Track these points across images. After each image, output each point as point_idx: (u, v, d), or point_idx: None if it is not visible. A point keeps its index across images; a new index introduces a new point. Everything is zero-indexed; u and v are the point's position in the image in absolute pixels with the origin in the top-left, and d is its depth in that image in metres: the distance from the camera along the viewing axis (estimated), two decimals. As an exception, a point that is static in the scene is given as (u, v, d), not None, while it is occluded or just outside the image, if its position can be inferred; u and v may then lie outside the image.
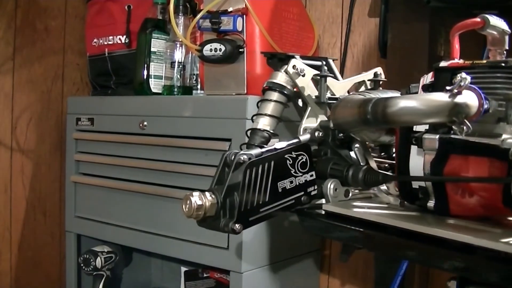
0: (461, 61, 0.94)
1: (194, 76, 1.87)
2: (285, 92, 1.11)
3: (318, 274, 1.95)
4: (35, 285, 2.55)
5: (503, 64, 0.89)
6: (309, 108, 1.14)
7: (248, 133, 1.09)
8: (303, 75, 1.12)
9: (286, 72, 1.12)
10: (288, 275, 1.75)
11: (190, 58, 1.85)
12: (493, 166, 0.84)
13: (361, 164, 1.08)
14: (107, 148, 1.92)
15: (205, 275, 1.99)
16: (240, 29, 1.58)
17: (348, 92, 1.22)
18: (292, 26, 1.73)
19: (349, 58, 1.93)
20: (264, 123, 1.08)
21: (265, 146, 1.04)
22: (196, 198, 0.90)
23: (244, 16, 1.58)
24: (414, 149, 0.94)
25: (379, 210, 0.97)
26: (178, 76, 1.83)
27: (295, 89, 1.15)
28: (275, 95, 1.11)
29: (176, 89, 1.82)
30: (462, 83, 0.84)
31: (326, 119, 1.14)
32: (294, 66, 1.12)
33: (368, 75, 1.22)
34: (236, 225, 0.91)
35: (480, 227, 0.85)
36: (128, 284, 2.18)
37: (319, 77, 1.13)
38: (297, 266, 1.80)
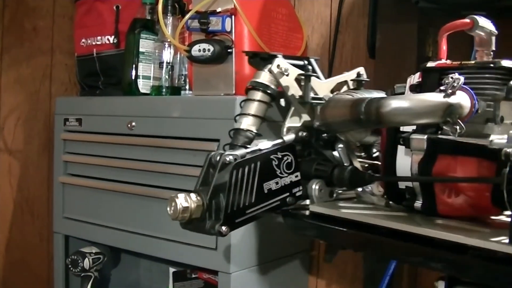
0: (449, 61, 0.94)
1: (183, 77, 1.87)
2: (269, 91, 1.09)
3: (306, 275, 1.95)
4: (23, 286, 2.55)
5: (491, 65, 0.89)
6: (292, 108, 1.12)
7: (231, 133, 1.06)
8: (287, 75, 1.11)
9: (270, 71, 1.10)
10: (276, 276, 1.74)
11: (178, 58, 1.85)
12: (482, 166, 0.85)
13: (345, 164, 1.07)
14: (95, 149, 1.91)
15: (193, 276, 1.98)
16: (228, 30, 1.58)
17: (332, 92, 1.20)
18: (281, 27, 1.73)
19: (338, 59, 1.93)
20: (247, 123, 1.06)
21: (248, 146, 1.02)
22: (181, 200, 0.89)
23: (233, 16, 1.58)
24: (400, 149, 0.94)
25: (367, 211, 0.96)
26: (167, 77, 1.83)
27: (278, 89, 1.14)
28: (258, 95, 1.09)
29: (164, 90, 1.81)
30: (455, 84, 0.84)
31: (309, 119, 1.13)
32: (278, 66, 1.10)
33: (350, 75, 1.21)
34: (223, 227, 0.90)
35: (468, 226, 0.85)
36: (117, 285, 2.17)
37: (303, 77, 1.12)
38: (286, 266, 1.80)
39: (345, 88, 1.21)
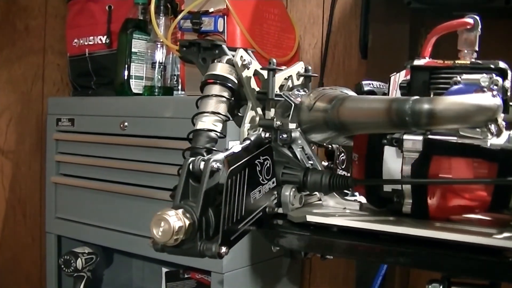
0: (440, 61, 0.93)
1: (175, 77, 1.87)
2: (230, 84, 0.95)
3: (299, 275, 1.96)
4: (15, 286, 2.54)
5: (491, 66, 0.88)
6: (250, 105, 1.01)
7: (191, 135, 0.91)
8: (248, 68, 0.98)
9: (232, 63, 0.97)
10: (269, 276, 1.75)
11: (171, 58, 1.85)
12: (480, 167, 0.84)
13: (307, 165, 0.97)
14: (87, 149, 1.91)
15: (186, 276, 1.98)
16: (221, 30, 1.58)
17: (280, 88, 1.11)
18: (273, 27, 1.74)
19: (330, 59, 1.93)
20: (209, 122, 0.91)
21: (215, 149, 0.88)
22: (174, 219, 0.73)
23: (225, 16, 1.58)
24: (388, 151, 0.90)
25: (358, 217, 0.92)
26: (159, 77, 1.83)
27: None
28: (217, 89, 0.94)
29: (157, 90, 1.81)
30: (494, 85, 0.81)
31: (264, 117, 0.99)
32: (241, 57, 0.97)
33: (294, 70, 1.12)
34: (223, 248, 0.75)
35: (467, 227, 0.85)
36: (109, 285, 2.17)
37: (267, 71, 0.99)
38: (279, 266, 1.81)
39: (289, 83, 1.12)
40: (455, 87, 0.84)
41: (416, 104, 0.77)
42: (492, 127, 0.80)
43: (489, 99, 0.78)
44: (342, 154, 1.05)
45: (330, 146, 1.04)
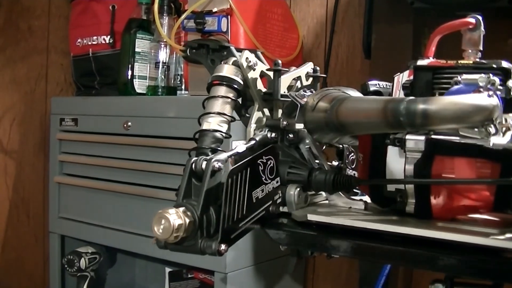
0: (443, 60, 0.93)
1: (179, 77, 1.87)
2: (235, 85, 0.96)
3: (302, 275, 1.96)
4: (19, 286, 2.54)
5: (494, 66, 0.87)
6: (257, 106, 1.02)
7: (197, 135, 0.93)
8: (254, 70, 1.00)
9: (238, 65, 0.99)
10: (272, 275, 1.75)
11: (174, 58, 1.85)
12: (483, 167, 0.84)
13: (313, 165, 0.98)
14: (91, 149, 1.91)
15: (189, 276, 1.98)
16: (224, 30, 1.58)
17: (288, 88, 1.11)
18: (276, 27, 1.74)
19: (333, 59, 1.93)
20: (215, 123, 0.93)
21: (220, 149, 0.90)
22: (174, 217, 0.75)
23: (229, 16, 1.58)
24: (391, 151, 0.90)
25: (362, 216, 0.92)
26: (163, 77, 1.83)
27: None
28: (223, 90, 0.96)
29: (160, 90, 1.82)
30: (491, 85, 0.81)
31: (271, 117, 1.02)
32: (247, 59, 0.98)
33: (303, 70, 1.12)
34: (222, 245, 0.78)
35: (470, 228, 0.84)
36: (112, 285, 2.17)
37: (272, 72, 1.01)
38: (282, 266, 1.80)
39: (298, 83, 1.12)
40: (455, 87, 0.83)
41: (411, 104, 0.78)
42: (491, 127, 0.80)
43: (485, 99, 0.78)
44: (352, 154, 1.06)
45: (340, 146, 1.05)
